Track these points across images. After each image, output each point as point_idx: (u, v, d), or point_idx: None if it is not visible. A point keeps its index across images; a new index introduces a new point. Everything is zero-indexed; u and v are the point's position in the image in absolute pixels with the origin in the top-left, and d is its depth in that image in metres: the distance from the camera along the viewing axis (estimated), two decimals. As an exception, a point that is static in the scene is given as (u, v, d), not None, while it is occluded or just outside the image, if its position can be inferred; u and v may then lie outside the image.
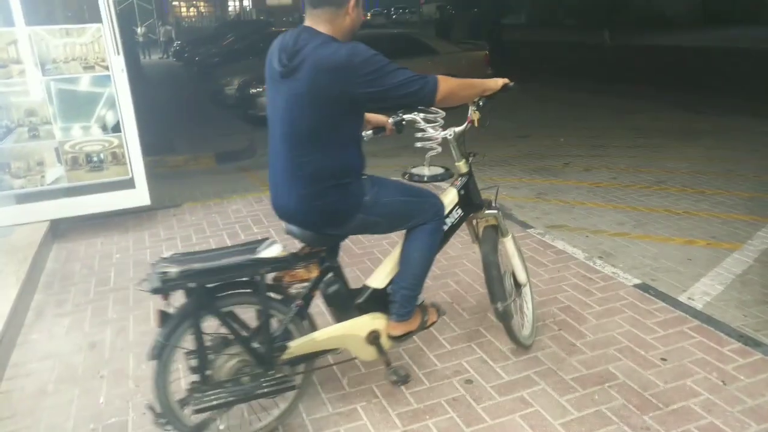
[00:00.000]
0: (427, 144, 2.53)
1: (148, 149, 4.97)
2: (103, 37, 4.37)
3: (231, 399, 2.04)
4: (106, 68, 4.45)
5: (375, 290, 2.34)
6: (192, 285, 1.92)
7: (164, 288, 1.88)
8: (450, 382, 2.64)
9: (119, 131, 4.58)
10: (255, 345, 2.09)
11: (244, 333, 2.11)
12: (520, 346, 2.80)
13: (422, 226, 2.31)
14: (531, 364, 2.74)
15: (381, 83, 1.95)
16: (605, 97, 11.33)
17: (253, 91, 10.31)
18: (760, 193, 5.37)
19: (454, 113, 2.53)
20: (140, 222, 4.98)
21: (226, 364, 2.09)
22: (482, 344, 2.93)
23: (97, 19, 4.34)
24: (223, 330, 2.07)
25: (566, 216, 5.02)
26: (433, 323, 2.51)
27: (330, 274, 2.26)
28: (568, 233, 4.57)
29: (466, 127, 2.52)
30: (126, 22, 19.09)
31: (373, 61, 1.95)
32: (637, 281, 3.51)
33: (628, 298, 3.29)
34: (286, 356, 2.15)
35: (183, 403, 2.06)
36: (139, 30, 28.53)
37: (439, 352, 2.88)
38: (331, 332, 2.25)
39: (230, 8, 51.77)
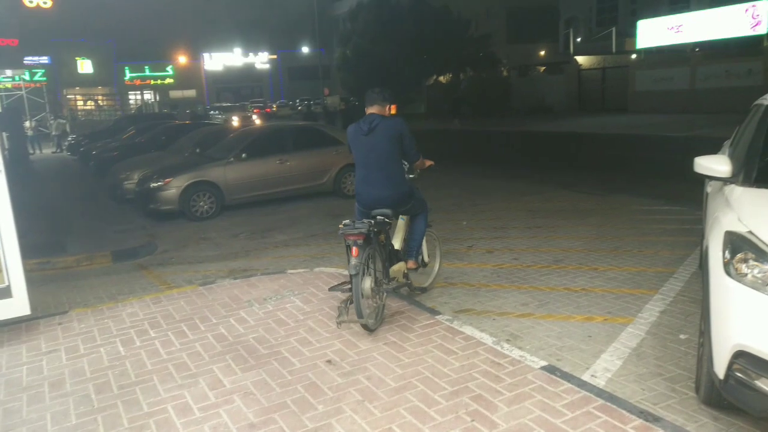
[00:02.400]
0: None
1: (33, 251, 4.62)
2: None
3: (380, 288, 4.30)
4: (-15, 169, 4.16)
5: (396, 250, 4.69)
6: (373, 231, 4.19)
7: (369, 232, 4.09)
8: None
9: (-3, 235, 4.23)
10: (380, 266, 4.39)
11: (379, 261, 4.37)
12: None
13: (422, 214, 4.82)
14: (446, 461, 2.65)
15: (409, 138, 4.49)
16: (500, 182, 11.98)
17: (154, 185, 10.00)
18: (643, 267, 5.76)
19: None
20: (17, 334, 4.52)
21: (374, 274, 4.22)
22: (396, 444, 2.82)
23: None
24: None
25: (473, 299, 5.11)
26: (418, 267, 4.88)
27: (384, 235, 4.55)
28: (476, 317, 4.64)
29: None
30: (12, 116, 18.24)
31: (407, 127, 4.50)
32: (544, 363, 3.58)
33: (537, 381, 3.33)
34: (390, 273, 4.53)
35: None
36: (28, 124, 27.28)
37: (351, 458, 2.73)
38: (395, 268, 4.58)
39: (131, 101, 51.09)
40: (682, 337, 4.08)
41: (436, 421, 2.98)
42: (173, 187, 9.86)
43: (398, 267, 4.59)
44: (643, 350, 3.90)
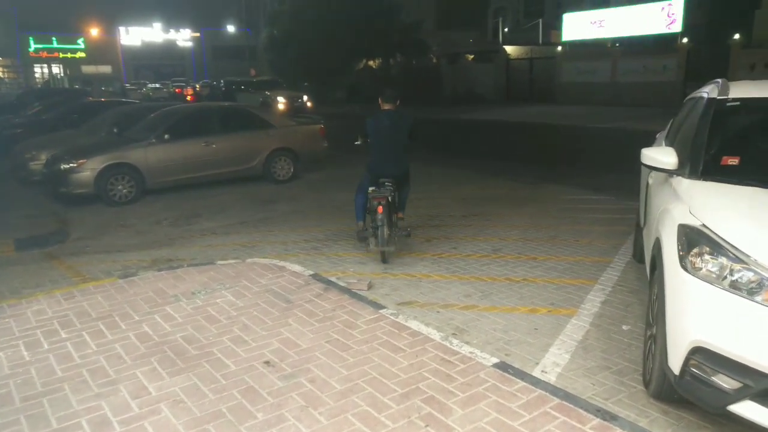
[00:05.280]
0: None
1: None
2: None
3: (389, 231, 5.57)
4: None
5: (391, 205, 5.68)
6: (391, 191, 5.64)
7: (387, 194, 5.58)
8: None
9: None
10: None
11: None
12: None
13: (408, 182, 6.10)
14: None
15: (414, 128, 5.93)
16: (434, 168, 11.91)
17: (66, 166, 9.19)
18: (580, 256, 5.81)
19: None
20: None
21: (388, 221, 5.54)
22: (345, 455, 2.60)
23: None
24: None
25: (415, 291, 4.95)
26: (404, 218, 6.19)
27: (392, 195, 5.69)
28: (420, 310, 4.48)
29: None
30: None
31: (413, 120, 5.94)
32: (495, 360, 3.46)
33: (490, 380, 3.20)
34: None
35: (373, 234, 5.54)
36: None
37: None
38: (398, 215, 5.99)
39: (36, 75, 47.37)
40: (624, 328, 4.09)
41: (388, 428, 2.79)
42: (88, 169, 9.09)
43: (395, 215, 6.10)
44: (589, 342, 3.87)
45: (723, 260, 2.64)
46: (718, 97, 3.72)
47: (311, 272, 5.24)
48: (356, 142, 6.12)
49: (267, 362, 3.49)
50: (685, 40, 24.53)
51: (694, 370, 2.62)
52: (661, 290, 2.91)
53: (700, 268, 2.70)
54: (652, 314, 3.26)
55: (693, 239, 2.77)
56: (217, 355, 3.59)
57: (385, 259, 5.74)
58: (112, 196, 9.23)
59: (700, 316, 2.61)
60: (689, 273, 2.69)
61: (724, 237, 2.70)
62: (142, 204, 9.32)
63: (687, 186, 3.31)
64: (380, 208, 5.45)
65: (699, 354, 2.58)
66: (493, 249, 6.14)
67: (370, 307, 4.33)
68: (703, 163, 3.38)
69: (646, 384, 3.19)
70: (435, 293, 4.88)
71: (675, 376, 2.72)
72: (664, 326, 2.81)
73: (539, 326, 4.15)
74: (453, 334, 3.98)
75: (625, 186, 8.99)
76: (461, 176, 10.70)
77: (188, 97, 33.32)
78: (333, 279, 5.12)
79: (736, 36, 24.02)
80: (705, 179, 3.28)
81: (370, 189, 5.66)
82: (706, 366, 2.57)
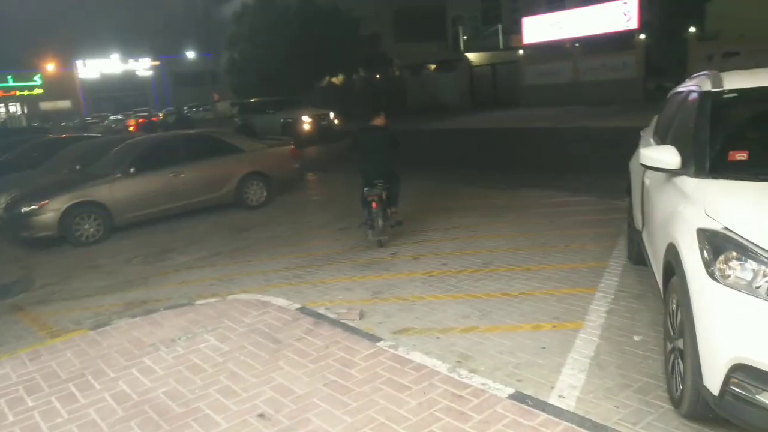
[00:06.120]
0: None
1: None
2: None
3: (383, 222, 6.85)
4: None
5: (384, 201, 6.81)
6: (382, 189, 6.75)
7: (381, 193, 6.75)
8: None
9: None
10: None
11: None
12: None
13: (399, 181, 7.15)
14: None
15: (394, 138, 7.03)
16: (406, 180, 11.68)
17: (27, 209, 8.70)
18: (575, 263, 5.60)
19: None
20: None
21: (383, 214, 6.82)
22: None
23: None
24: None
25: (409, 316, 4.67)
26: (396, 212, 7.15)
27: (384, 193, 6.76)
28: (418, 337, 4.20)
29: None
30: None
31: (392, 132, 7.14)
32: (510, 390, 3.19)
33: (509, 415, 2.93)
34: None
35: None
36: None
37: None
38: (392, 209, 7.05)
39: (-7, 114, 46.09)
40: (636, 338, 3.87)
41: (406, 483, 2.49)
42: (50, 210, 8.62)
43: (389, 210, 7.09)
44: (602, 358, 3.64)
45: (754, 265, 2.44)
46: (713, 90, 3.55)
47: (298, 305, 4.92)
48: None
49: (261, 415, 3.16)
50: (642, 36, 24.91)
51: (735, 389, 2.39)
52: (686, 301, 2.68)
53: (729, 276, 2.49)
54: (672, 326, 3.04)
55: (719, 244, 2.56)
56: (205, 411, 3.25)
57: (381, 245, 6.94)
58: (78, 236, 8.78)
59: (738, 329, 2.38)
60: (721, 283, 2.47)
61: (751, 239, 2.49)
62: (110, 242, 8.88)
63: (695, 186, 3.11)
64: (374, 204, 6.73)
65: (741, 372, 2.36)
66: (483, 262, 5.90)
67: (366, 341, 4.03)
68: (710, 160, 3.19)
69: (675, 403, 2.96)
70: (431, 317, 4.61)
71: (713, 396, 2.49)
72: (695, 341, 2.59)
73: (547, 344, 3.91)
74: (458, 362, 3.70)
75: (603, 185, 8.91)
76: (436, 187, 10.48)
77: (130, 128, 32.37)
78: (322, 310, 4.81)
79: (692, 29, 24.54)
80: (714, 177, 3.09)
81: (365, 189, 6.81)
82: (750, 384, 2.34)
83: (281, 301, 5.04)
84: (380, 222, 6.78)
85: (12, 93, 49.10)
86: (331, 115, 22.12)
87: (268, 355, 3.91)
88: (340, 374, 3.53)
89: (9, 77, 48.47)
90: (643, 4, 25.61)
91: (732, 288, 2.44)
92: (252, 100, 25.52)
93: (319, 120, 21.65)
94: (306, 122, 21.40)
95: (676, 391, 2.92)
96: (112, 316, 5.35)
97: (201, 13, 32.19)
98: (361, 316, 4.67)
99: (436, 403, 3.11)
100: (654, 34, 28.50)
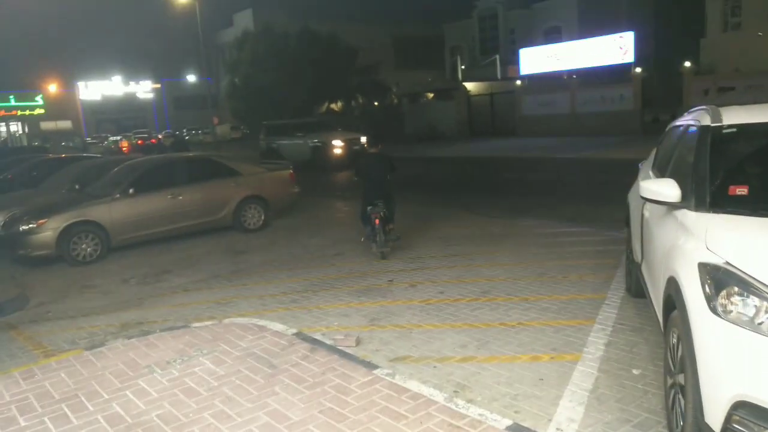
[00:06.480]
0: None
1: None
2: None
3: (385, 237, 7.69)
4: None
5: (384, 219, 7.64)
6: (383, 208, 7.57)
7: (382, 211, 7.58)
8: None
9: None
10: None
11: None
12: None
13: (395, 202, 7.95)
14: None
15: (392, 163, 7.93)
16: (403, 207, 11.72)
17: (25, 227, 8.68)
18: (573, 294, 5.60)
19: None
20: None
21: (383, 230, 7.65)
22: None
23: None
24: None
25: (406, 344, 4.64)
26: (394, 228, 7.88)
27: (384, 212, 7.60)
28: (415, 366, 4.16)
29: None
30: None
31: (390, 158, 8.05)
32: (508, 422, 3.16)
33: (507, 448, 2.90)
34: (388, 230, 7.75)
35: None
36: None
37: None
38: (390, 226, 7.80)
39: (-7, 133, 46.27)
40: (635, 372, 3.85)
41: None
42: (49, 229, 8.60)
43: (387, 226, 7.79)
44: (601, 392, 3.61)
45: (756, 301, 2.44)
46: (713, 125, 3.60)
47: (294, 330, 4.89)
48: (354, 178, 8.30)
49: (256, 442, 3.12)
50: (638, 69, 25.32)
51: (737, 426, 2.37)
52: (687, 336, 2.68)
53: (731, 311, 2.49)
54: (673, 361, 3.02)
55: (720, 279, 2.56)
56: (199, 437, 3.20)
57: (384, 256, 7.66)
58: (75, 256, 8.74)
59: (741, 366, 2.37)
60: (723, 318, 2.47)
61: (753, 275, 2.50)
62: (107, 262, 8.85)
63: (696, 219, 3.13)
64: (377, 221, 7.54)
65: (743, 409, 2.34)
66: (481, 291, 5.89)
67: (363, 368, 3.99)
68: (711, 194, 3.22)
69: (675, 438, 2.93)
70: (428, 345, 4.58)
71: (714, 433, 2.47)
72: (696, 377, 2.57)
73: (545, 376, 3.88)
74: (455, 392, 3.67)
75: (601, 216, 8.96)
76: (433, 214, 10.52)
77: (123, 149, 32.41)
78: (318, 336, 4.78)
79: (687, 64, 24.94)
80: (715, 211, 3.11)
81: (368, 208, 7.60)
82: (752, 422, 2.32)
83: (278, 326, 5.01)
84: (382, 236, 7.57)
85: (14, 113, 49.38)
86: (363, 139, 20.79)
87: (264, 380, 3.87)
88: (336, 401, 3.50)
89: (11, 97, 48.83)
90: (638, 37, 26.07)
91: (734, 324, 2.44)
92: (280, 122, 24.31)
93: (351, 144, 20.56)
94: (337, 146, 20.49)
95: (677, 427, 2.90)
96: (107, 336, 5.30)
97: (203, 38, 32.48)
98: (358, 342, 4.64)
99: (433, 433, 3.08)
100: (650, 68, 28.95)
